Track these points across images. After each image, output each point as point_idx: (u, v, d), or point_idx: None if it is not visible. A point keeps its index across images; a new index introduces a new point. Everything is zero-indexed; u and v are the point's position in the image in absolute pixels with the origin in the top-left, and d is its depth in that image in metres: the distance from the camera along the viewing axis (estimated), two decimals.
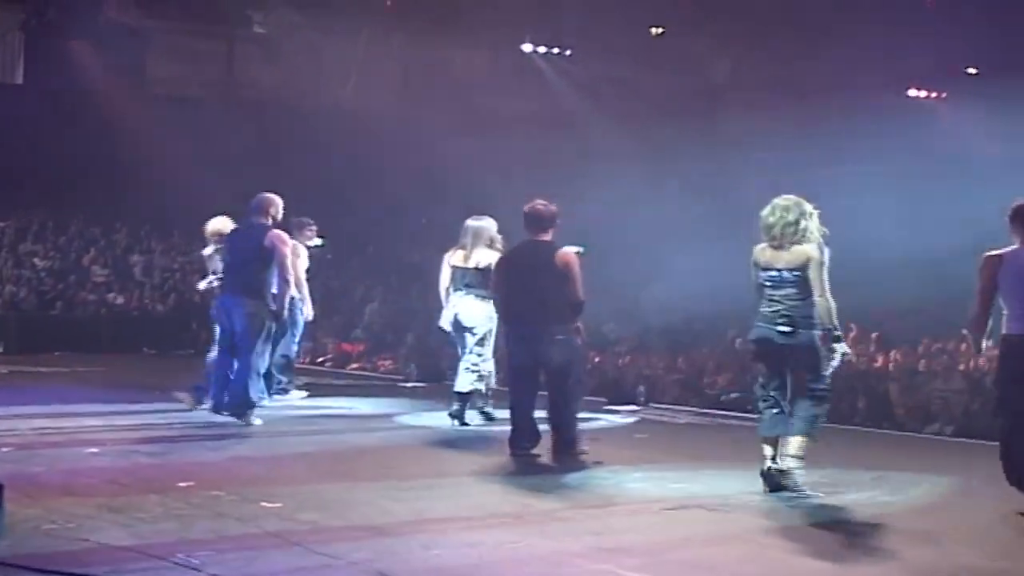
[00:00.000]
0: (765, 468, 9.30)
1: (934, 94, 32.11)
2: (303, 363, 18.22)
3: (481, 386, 12.88)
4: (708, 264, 24.10)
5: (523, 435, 10.97)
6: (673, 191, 27.73)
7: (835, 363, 9.51)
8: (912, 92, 31.84)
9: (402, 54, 32.28)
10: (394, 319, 24.38)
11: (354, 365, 21.90)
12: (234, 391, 12.46)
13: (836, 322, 9.33)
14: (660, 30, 32.45)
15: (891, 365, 17.36)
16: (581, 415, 11.38)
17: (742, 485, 9.56)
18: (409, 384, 18.69)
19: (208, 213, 26.21)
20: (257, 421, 12.47)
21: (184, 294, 24.57)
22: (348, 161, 28.81)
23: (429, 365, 19.70)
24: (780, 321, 9.28)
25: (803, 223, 9.32)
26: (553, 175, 24.12)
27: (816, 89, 28.63)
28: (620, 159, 28.37)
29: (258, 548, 7.00)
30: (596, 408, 15.53)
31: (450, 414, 12.75)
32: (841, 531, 8.24)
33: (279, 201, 12.92)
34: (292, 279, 12.70)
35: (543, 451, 10.92)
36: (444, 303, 12.97)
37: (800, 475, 9.30)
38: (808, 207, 9.43)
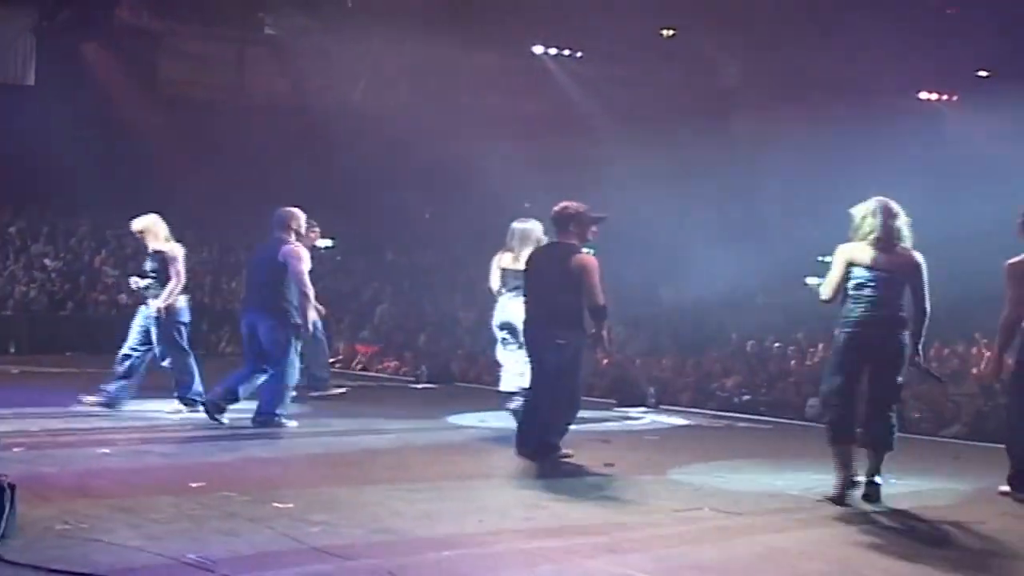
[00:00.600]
0: (852, 478, 9.14)
1: (945, 96, 32.11)
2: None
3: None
4: (722, 266, 24.19)
5: (528, 437, 10.83)
6: (685, 193, 27.72)
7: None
8: (923, 95, 31.83)
9: (412, 56, 32.28)
10: (404, 321, 24.42)
11: (361, 366, 21.89)
12: (262, 406, 12.54)
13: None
14: (671, 32, 32.46)
15: None
16: (592, 416, 11.32)
17: (753, 487, 9.56)
18: (419, 385, 18.69)
19: (217, 215, 26.40)
20: (292, 423, 12.59)
21: (195, 295, 24.57)
22: (358, 163, 28.85)
23: (439, 366, 19.74)
24: (879, 322, 9.09)
25: (906, 230, 9.22)
26: (564, 176, 24.12)
27: (827, 92, 28.63)
28: (631, 161, 28.37)
29: (270, 549, 7.00)
30: (606, 409, 15.58)
31: (513, 412, 12.58)
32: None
33: (300, 215, 12.84)
34: (311, 293, 12.64)
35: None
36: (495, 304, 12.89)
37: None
38: (905, 214, 9.29)
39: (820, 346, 19.38)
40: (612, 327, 10.96)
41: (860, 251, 9.18)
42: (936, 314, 9.30)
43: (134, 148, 27.51)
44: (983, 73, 30.67)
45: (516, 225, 12.65)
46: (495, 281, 12.78)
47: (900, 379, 9.24)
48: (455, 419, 13.35)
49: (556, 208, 10.98)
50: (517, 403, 12.23)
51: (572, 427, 11.38)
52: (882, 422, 9.16)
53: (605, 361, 18.43)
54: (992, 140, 27.09)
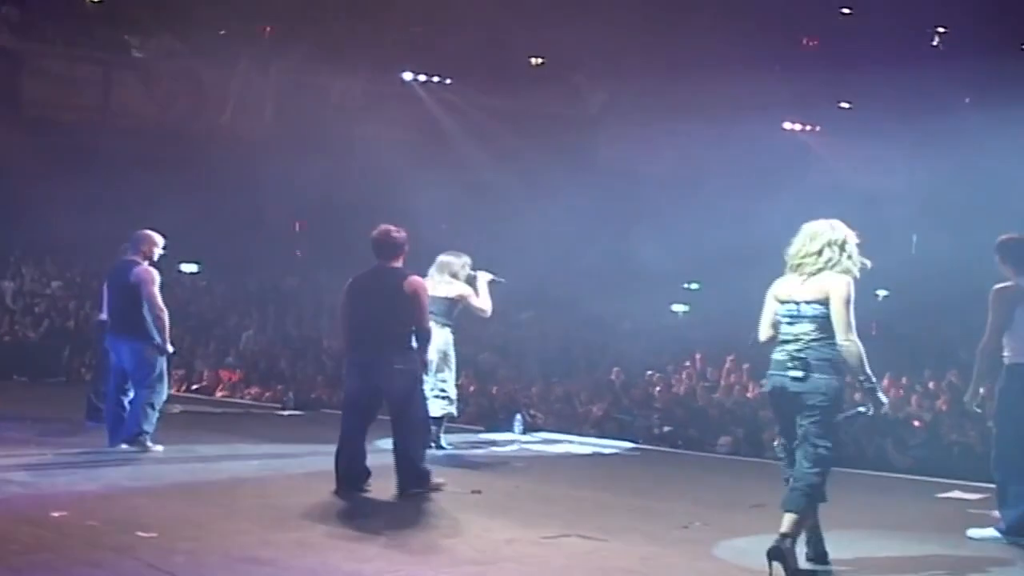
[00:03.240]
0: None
1: (808, 127, 32.77)
2: (176, 391, 18.12)
3: (452, 410, 13.39)
4: (591, 294, 24.39)
5: (352, 470, 10.57)
6: (553, 218, 27.93)
7: (851, 417, 8.22)
8: (787, 125, 32.46)
9: (279, 82, 32.17)
10: (269, 347, 24.25)
11: (224, 393, 21.68)
12: (128, 424, 12.48)
13: (869, 371, 7.95)
14: (540, 60, 32.75)
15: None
16: (460, 441, 11.34)
17: (620, 516, 9.65)
18: (286, 412, 18.57)
19: (81, 239, 25.98)
20: (158, 448, 12.50)
21: (55, 321, 24.23)
22: (224, 187, 28.61)
23: (305, 393, 19.66)
24: (792, 364, 7.94)
25: (828, 252, 8.01)
26: (432, 202, 24.18)
27: (693, 121, 29.01)
28: (499, 187, 28.55)
29: None
30: (475, 436, 15.60)
31: None
32: None
33: (157, 239, 12.87)
34: (163, 314, 12.60)
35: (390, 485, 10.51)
36: None
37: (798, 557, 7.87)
38: (843, 235, 8.11)
39: (684, 375, 19.69)
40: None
41: (781, 283, 8.21)
42: None
43: None
44: (844, 105, 31.36)
45: (441, 257, 13.37)
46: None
47: (824, 429, 7.97)
48: (322, 446, 13.26)
49: (377, 232, 10.82)
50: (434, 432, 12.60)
51: (440, 453, 11.34)
52: (798, 485, 7.98)
53: (471, 388, 18.50)
54: (854, 169, 27.75)
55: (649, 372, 19.99)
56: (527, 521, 9.42)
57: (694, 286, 27.95)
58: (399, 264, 10.79)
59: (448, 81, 32.49)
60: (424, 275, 12.11)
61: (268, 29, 31.48)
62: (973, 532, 9.49)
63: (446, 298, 13.13)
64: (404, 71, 32.26)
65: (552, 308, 25.92)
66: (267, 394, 21.00)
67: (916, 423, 16.18)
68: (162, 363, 12.68)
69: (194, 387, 21.72)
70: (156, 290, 12.56)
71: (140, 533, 8.06)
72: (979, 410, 9.89)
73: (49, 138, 27.97)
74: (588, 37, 29.14)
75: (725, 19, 27.79)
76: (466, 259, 13.49)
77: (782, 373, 8.00)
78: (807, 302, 7.96)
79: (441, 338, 12.86)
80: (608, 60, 30.17)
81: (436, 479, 10.64)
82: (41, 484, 10.25)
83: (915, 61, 26.60)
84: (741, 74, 27.48)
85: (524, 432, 16.33)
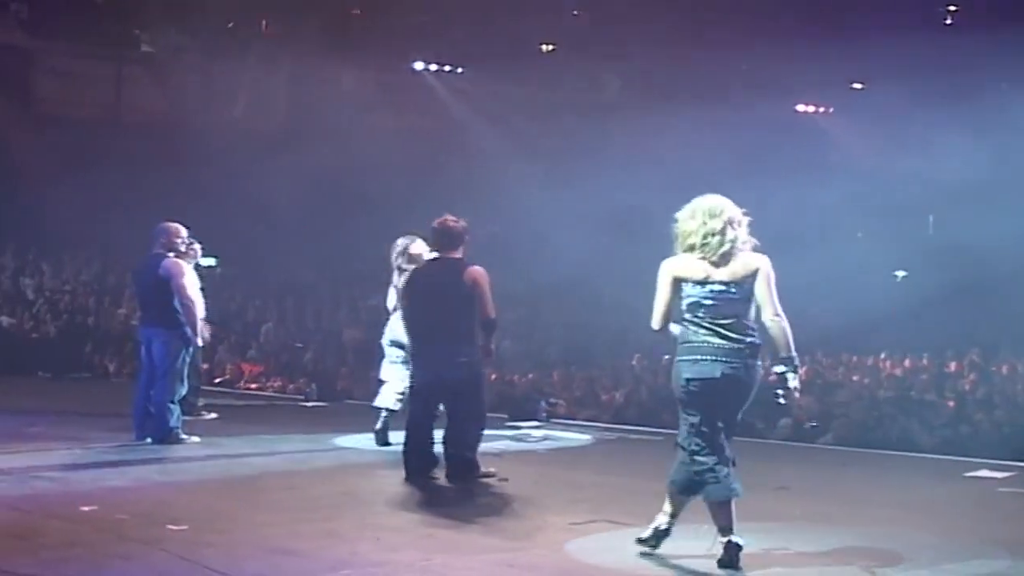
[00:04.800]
0: (727, 540, 7.56)
1: (821, 108, 32.69)
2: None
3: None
4: (609, 280, 24.35)
5: (420, 459, 10.69)
6: (566, 206, 27.90)
7: (782, 401, 7.82)
8: (800, 107, 32.38)
9: (290, 75, 32.15)
10: (288, 339, 24.27)
11: (253, 385, 21.71)
12: (156, 425, 12.53)
13: (794, 349, 7.73)
14: (551, 47, 32.69)
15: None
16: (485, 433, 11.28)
17: (647, 501, 9.63)
18: (310, 404, 18.56)
19: (100, 236, 26.02)
20: (194, 439, 12.60)
21: (76, 317, 24.27)
22: (237, 181, 28.61)
23: (328, 385, 19.65)
24: (732, 350, 7.58)
25: (731, 231, 7.67)
26: (445, 191, 24.16)
27: (708, 105, 28.95)
28: (513, 175, 28.51)
29: (165, 571, 6.93)
30: (498, 425, 15.58)
31: (377, 432, 12.54)
32: None
33: (179, 230, 12.96)
34: (193, 305, 12.66)
35: (441, 475, 10.65)
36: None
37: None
38: (738, 212, 7.79)
39: None
40: (500, 340, 10.79)
41: (688, 264, 7.70)
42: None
43: (6, 167, 27.06)
44: (857, 85, 31.26)
45: (401, 242, 12.43)
46: (390, 299, 12.66)
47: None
48: (347, 439, 13.25)
49: (438, 223, 10.84)
50: (381, 423, 12.38)
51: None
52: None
53: (493, 376, 18.45)
54: (868, 150, 27.68)
55: (667, 357, 19.97)
56: (555, 508, 9.41)
57: None
58: (459, 254, 10.76)
59: (460, 70, 32.45)
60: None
61: (277, 21, 31.43)
62: None
63: None
64: (415, 61, 32.23)
65: (570, 295, 25.90)
66: (290, 386, 21.02)
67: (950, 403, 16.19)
68: (186, 356, 12.71)
69: (216, 380, 21.73)
70: (185, 282, 12.63)
71: (170, 526, 8.06)
72: None
73: (61, 135, 27.97)
74: (600, 22, 29.13)
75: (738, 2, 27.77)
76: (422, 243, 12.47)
77: (724, 360, 7.58)
78: (734, 283, 7.61)
79: None
80: (620, 46, 30.07)
81: (487, 468, 10.69)
82: (70, 479, 10.26)
83: (928, 39, 26.46)
84: (753, 58, 27.38)
85: (547, 420, 16.32)
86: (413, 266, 11.92)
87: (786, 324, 7.63)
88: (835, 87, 31.06)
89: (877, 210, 26.34)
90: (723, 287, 7.61)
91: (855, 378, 18.29)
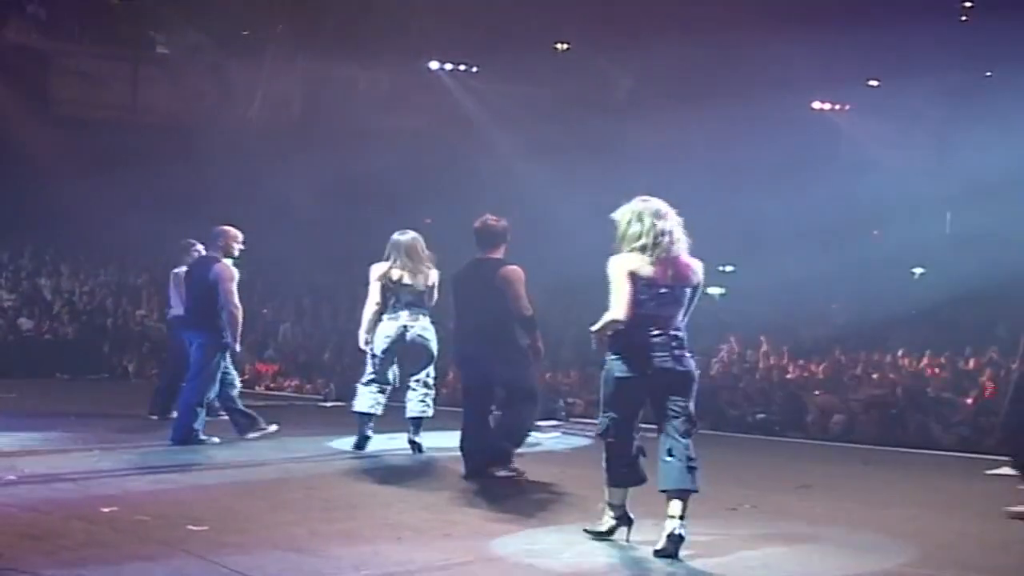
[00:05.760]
0: (671, 532, 7.82)
1: (837, 106, 32.64)
2: None
3: (430, 412, 12.28)
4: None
5: (479, 456, 10.69)
6: (579, 206, 27.88)
7: None
8: (816, 104, 32.33)
9: (305, 74, 32.19)
10: (306, 340, 24.27)
11: (272, 384, 21.73)
12: (177, 427, 12.69)
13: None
14: (565, 46, 32.70)
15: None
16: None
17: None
18: (328, 404, 18.56)
19: (118, 236, 26.08)
20: (214, 439, 12.71)
21: (94, 318, 24.30)
22: (253, 181, 28.62)
23: (346, 385, 19.63)
24: (676, 347, 8.04)
25: (678, 232, 8.03)
26: (458, 190, 24.18)
27: (720, 105, 28.91)
28: (527, 174, 28.49)
29: (185, 571, 6.92)
30: None
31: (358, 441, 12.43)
32: None
33: (237, 234, 13.02)
34: (238, 311, 12.70)
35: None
36: (367, 323, 12.22)
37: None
38: (671, 211, 8.12)
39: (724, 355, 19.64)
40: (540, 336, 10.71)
41: (641, 263, 7.94)
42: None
43: (25, 168, 27.10)
44: (873, 82, 31.20)
45: (399, 237, 12.11)
46: (378, 296, 12.12)
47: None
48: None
49: (479, 222, 10.86)
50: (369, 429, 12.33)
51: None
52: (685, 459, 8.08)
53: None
54: (885, 146, 27.60)
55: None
56: (575, 507, 9.39)
57: (729, 269, 27.88)
58: (499, 254, 10.79)
59: (475, 69, 32.46)
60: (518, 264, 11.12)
61: (293, 21, 31.45)
62: None
63: (429, 286, 11.98)
64: (430, 60, 32.25)
65: (584, 294, 25.82)
66: (308, 386, 21.03)
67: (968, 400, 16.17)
68: (222, 360, 12.79)
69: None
70: (233, 287, 12.69)
71: (190, 527, 8.06)
72: None
73: (78, 136, 28.05)
74: (614, 21, 29.10)
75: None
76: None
77: (667, 355, 8.01)
78: (681, 286, 8.02)
79: (435, 333, 12.23)
80: (634, 44, 30.05)
81: (515, 465, 10.70)
82: (90, 480, 10.26)
83: (943, 36, 26.42)
84: (769, 55, 27.33)
85: (565, 419, 16.30)
86: (417, 262, 11.88)
87: None
88: (851, 84, 31.00)
89: (894, 207, 26.25)
90: (667, 289, 7.97)
91: (874, 376, 18.24)
